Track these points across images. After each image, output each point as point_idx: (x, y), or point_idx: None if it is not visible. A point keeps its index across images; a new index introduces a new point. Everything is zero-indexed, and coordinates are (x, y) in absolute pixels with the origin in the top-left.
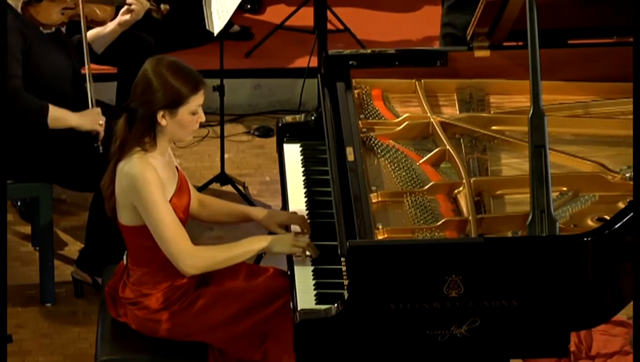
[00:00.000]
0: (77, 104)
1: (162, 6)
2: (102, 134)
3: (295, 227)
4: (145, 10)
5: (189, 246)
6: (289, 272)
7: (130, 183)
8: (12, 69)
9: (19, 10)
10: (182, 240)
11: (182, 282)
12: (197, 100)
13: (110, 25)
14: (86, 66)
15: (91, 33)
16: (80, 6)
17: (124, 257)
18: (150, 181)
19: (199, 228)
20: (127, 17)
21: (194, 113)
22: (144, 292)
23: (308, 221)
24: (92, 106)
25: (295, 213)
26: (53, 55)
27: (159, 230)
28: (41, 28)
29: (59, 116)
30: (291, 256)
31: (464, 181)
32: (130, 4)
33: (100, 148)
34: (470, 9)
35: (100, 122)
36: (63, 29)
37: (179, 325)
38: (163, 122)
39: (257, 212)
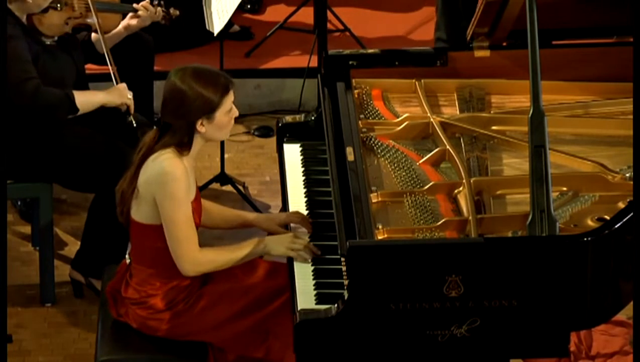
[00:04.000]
0: None
1: (171, 11)
2: (132, 107)
3: (296, 226)
4: (152, 19)
5: (196, 251)
6: (289, 272)
7: (158, 175)
8: (26, 72)
9: (24, 19)
10: (191, 244)
11: (187, 283)
12: (229, 99)
13: (115, 29)
14: (104, 50)
15: (95, 35)
16: (93, 11)
17: (127, 256)
18: (179, 178)
19: (200, 228)
20: (134, 22)
21: (229, 111)
22: (150, 293)
23: (309, 219)
24: (117, 83)
25: (294, 212)
26: (58, 64)
27: (173, 228)
28: (43, 38)
29: (85, 99)
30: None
31: (464, 180)
32: (137, 10)
33: (134, 122)
34: (455, 24)
35: (129, 95)
36: None
37: (181, 324)
38: (202, 129)
39: (255, 217)
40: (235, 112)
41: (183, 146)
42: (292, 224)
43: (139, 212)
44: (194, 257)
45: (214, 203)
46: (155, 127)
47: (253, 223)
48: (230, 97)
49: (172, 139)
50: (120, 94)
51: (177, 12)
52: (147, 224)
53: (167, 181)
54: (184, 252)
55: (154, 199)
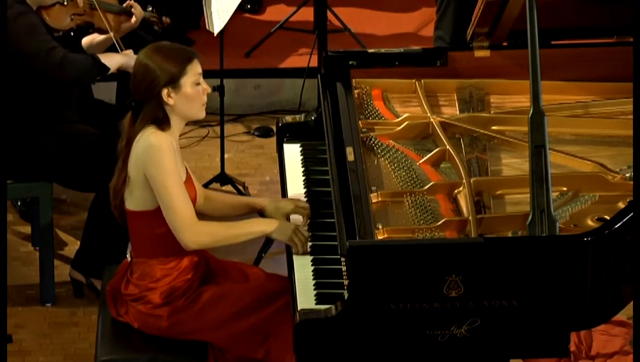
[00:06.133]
0: (82, 103)
1: (163, 19)
2: None
3: (296, 218)
4: (141, 17)
5: (194, 220)
6: (289, 273)
7: (144, 149)
8: (49, 41)
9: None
10: (188, 212)
11: (186, 278)
12: (194, 69)
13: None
14: (115, 42)
15: (86, 39)
16: (99, 9)
17: (127, 254)
18: (165, 149)
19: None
20: (125, 24)
21: (197, 83)
22: (149, 287)
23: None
24: (122, 50)
25: (299, 201)
26: None
27: (167, 198)
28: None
29: (108, 60)
30: (291, 256)
31: (464, 180)
32: (130, 6)
33: None
34: (454, 24)
35: None
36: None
37: (181, 322)
38: (170, 101)
39: (263, 202)
40: (207, 89)
41: (160, 122)
42: (292, 216)
43: (133, 200)
44: (193, 227)
45: (220, 192)
46: (129, 112)
47: (260, 208)
48: (194, 67)
49: (147, 116)
50: (134, 57)
51: (169, 20)
52: (142, 211)
53: (154, 151)
54: (182, 222)
55: (144, 178)
